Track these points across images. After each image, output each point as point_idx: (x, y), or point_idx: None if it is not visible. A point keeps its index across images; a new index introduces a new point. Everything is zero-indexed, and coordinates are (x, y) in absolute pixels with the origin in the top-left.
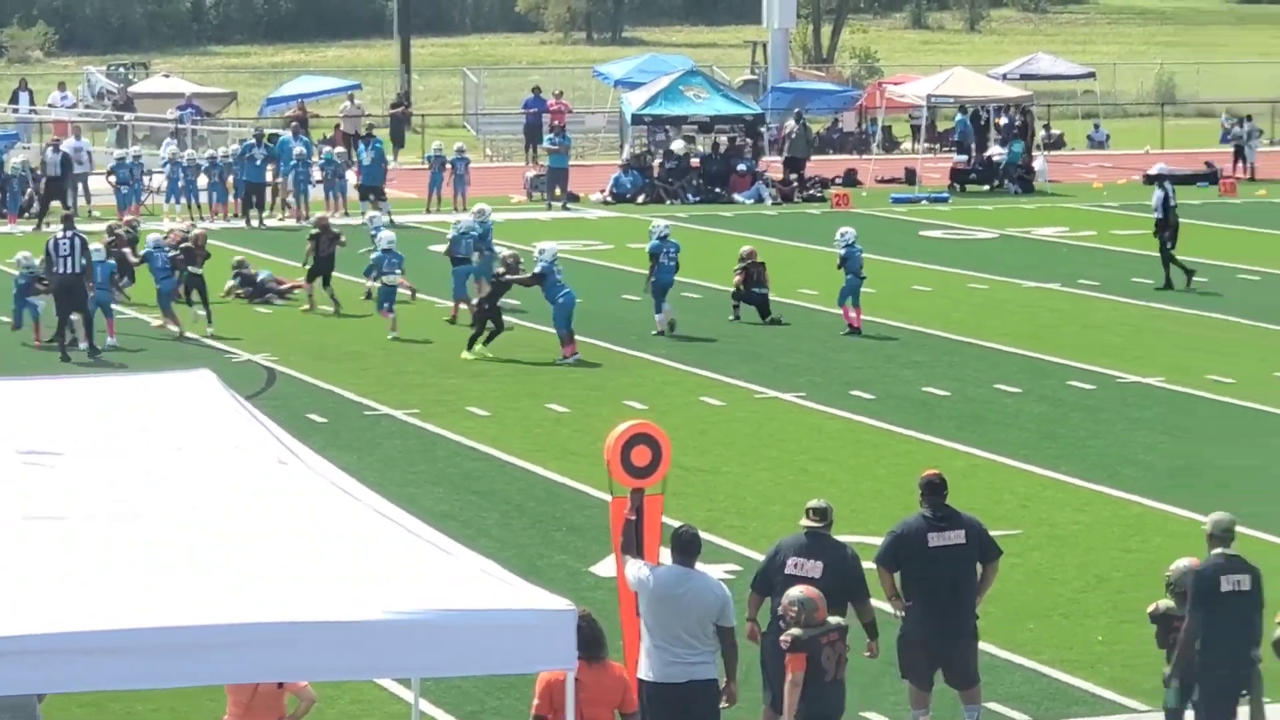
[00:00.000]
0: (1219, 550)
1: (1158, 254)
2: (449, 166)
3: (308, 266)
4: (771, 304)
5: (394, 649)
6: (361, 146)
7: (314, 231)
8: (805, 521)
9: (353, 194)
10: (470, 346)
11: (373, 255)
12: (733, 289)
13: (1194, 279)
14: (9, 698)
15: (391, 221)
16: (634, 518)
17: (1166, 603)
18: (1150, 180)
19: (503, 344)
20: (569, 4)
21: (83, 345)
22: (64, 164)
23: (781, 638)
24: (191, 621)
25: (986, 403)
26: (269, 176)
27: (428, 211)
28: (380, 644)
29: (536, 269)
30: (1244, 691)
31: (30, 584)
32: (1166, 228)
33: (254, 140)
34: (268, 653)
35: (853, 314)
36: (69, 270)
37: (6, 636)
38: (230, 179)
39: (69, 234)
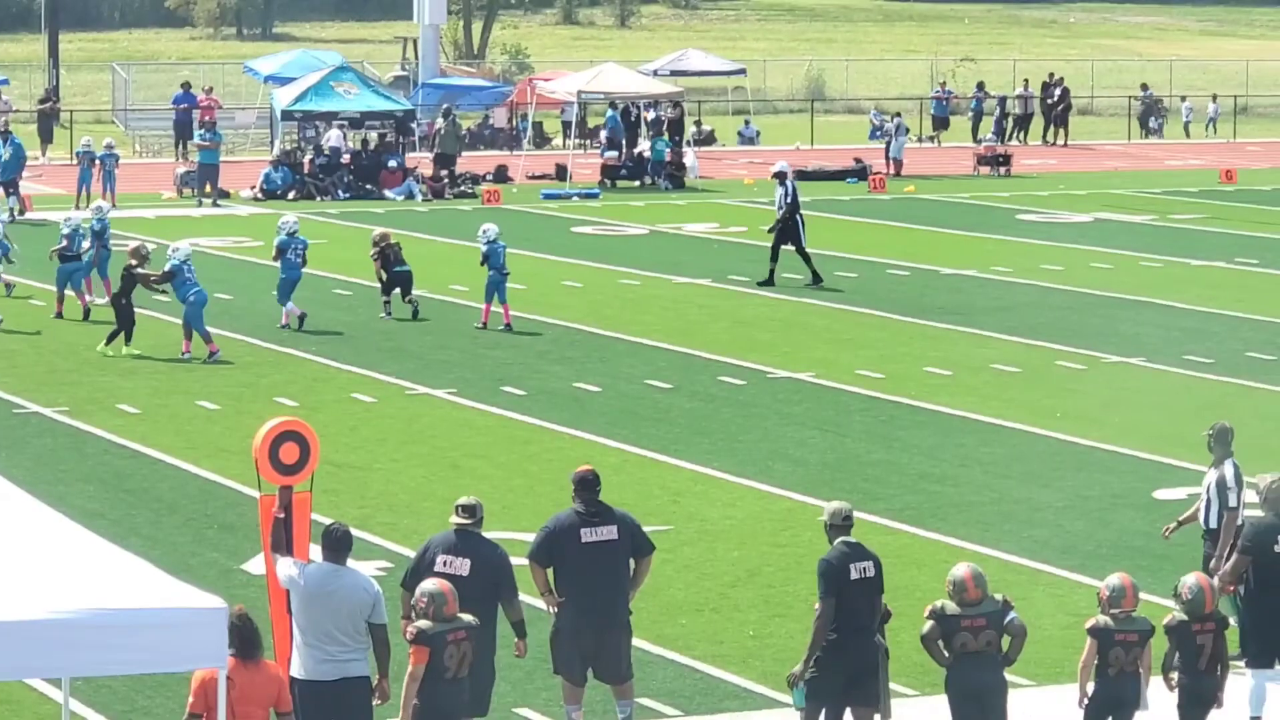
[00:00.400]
0: (842, 539)
1: (777, 249)
2: (98, 163)
3: None
4: (415, 296)
5: (43, 649)
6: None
7: None
8: (455, 519)
9: None
10: (109, 341)
11: None
12: (378, 281)
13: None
14: None
15: (13, 218)
16: (282, 515)
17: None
18: (775, 176)
19: (150, 340)
20: None
21: None
22: None
23: (407, 630)
24: None
25: (638, 398)
26: None
27: (77, 208)
28: (29, 644)
29: (167, 266)
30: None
31: None
32: (787, 223)
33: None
34: None
35: (498, 309)
36: None
37: None
38: None
39: None
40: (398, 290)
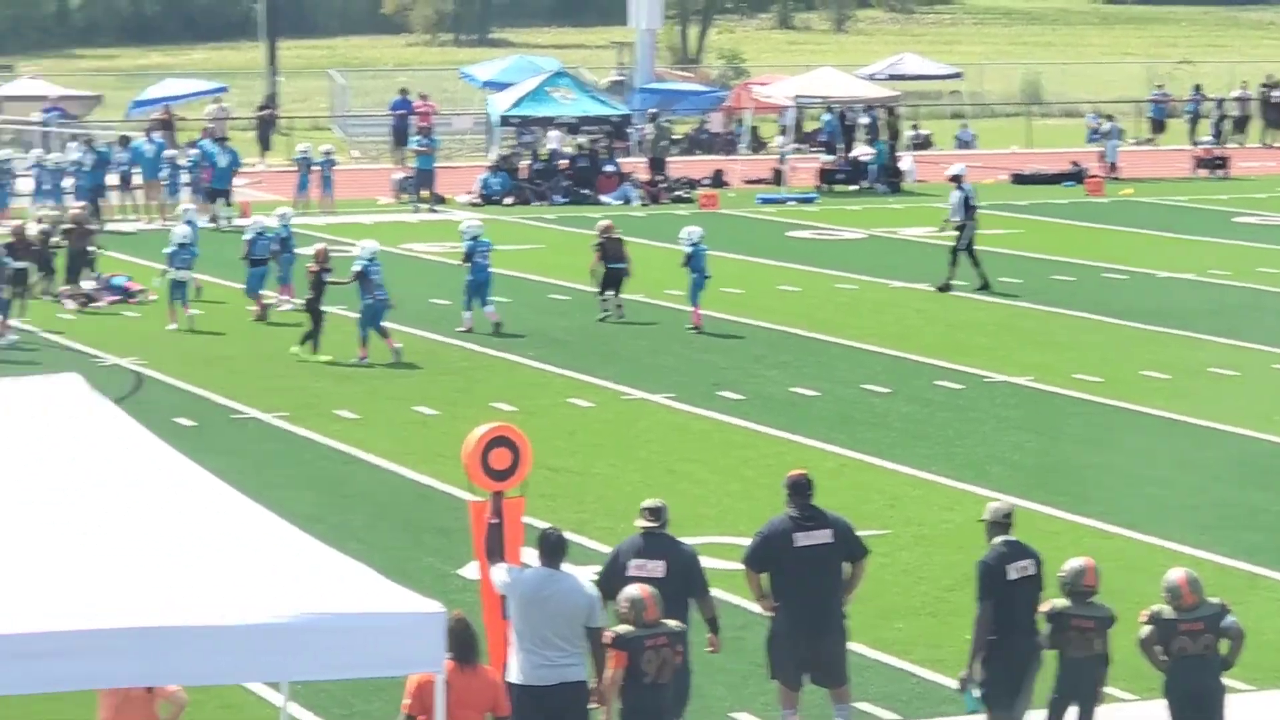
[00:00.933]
0: (1002, 539)
1: (961, 251)
2: (316, 169)
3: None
4: (621, 299)
5: (262, 653)
6: (216, 149)
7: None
8: (641, 522)
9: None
10: (303, 342)
11: (166, 249)
12: (591, 275)
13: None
14: None
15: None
16: (495, 521)
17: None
18: (952, 179)
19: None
20: (436, 5)
21: None
22: None
23: (606, 632)
24: (59, 626)
25: (854, 403)
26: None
27: (295, 214)
28: (248, 648)
29: (356, 268)
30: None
31: None
32: (966, 228)
33: (85, 146)
34: (136, 657)
35: (703, 310)
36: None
37: None
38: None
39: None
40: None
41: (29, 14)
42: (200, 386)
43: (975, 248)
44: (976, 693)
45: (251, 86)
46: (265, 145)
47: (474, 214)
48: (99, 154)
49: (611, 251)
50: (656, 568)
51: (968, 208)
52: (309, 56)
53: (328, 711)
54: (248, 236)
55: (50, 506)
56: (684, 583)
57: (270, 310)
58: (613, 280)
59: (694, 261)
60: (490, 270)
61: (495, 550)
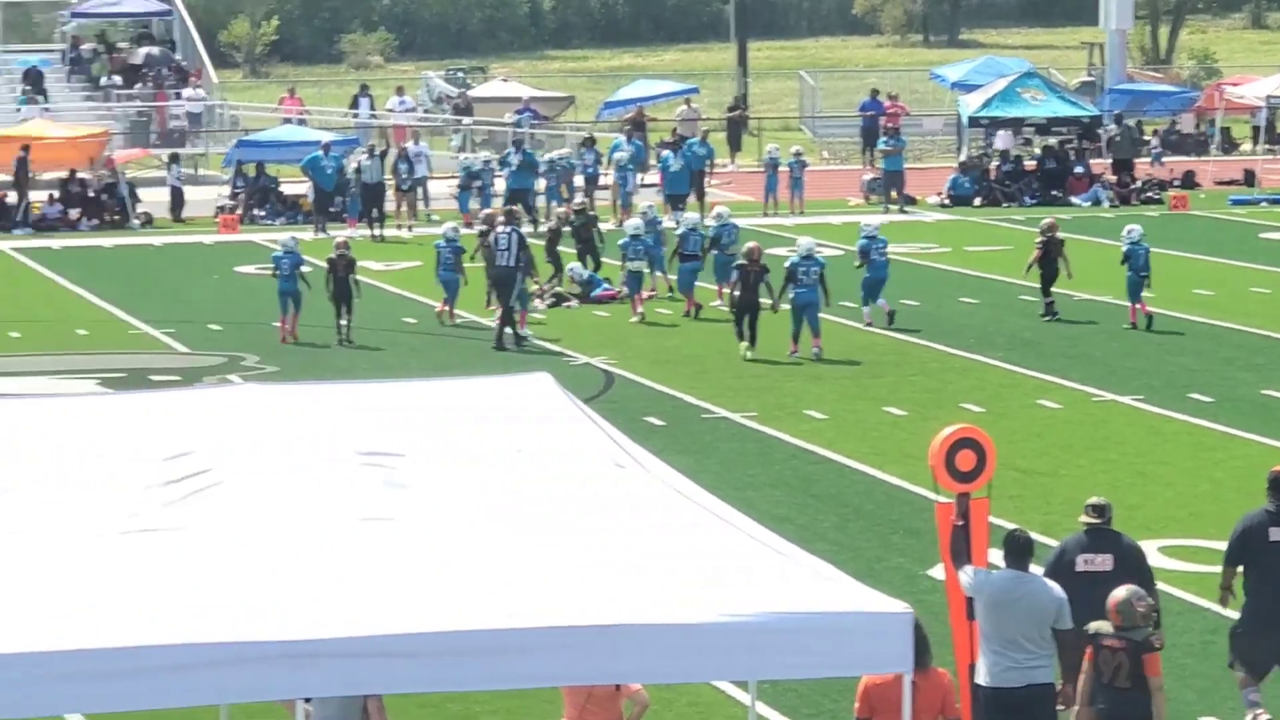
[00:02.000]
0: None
1: None
2: (786, 169)
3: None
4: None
5: (729, 651)
6: (669, 154)
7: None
8: (1085, 519)
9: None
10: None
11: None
12: (1024, 269)
13: None
14: (339, 698)
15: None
16: (961, 523)
17: None
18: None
19: (840, 347)
20: (906, 6)
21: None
22: (396, 169)
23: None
24: (526, 624)
25: None
26: (541, 185)
27: (764, 215)
28: (717, 646)
29: (786, 265)
30: None
31: (364, 586)
32: None
33: (513, 148)
34: (602, 655)
35: (1136, 308)
36: (506, 263)
37: (342, 638)
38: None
39: (509, 229)
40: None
41: (502, 16)
42: (670, 386)
43: None
44: None
45: (721, 87)
46: (735, 146)
47: (996, 216)
48: (526, 155)
49: (1054, 251)
50: (1105, 562)
51: None
52: (778, 57)
53: (796, 711)
54: (679, 232)
55: (519, 505)
56: (1131, 577)
57: (703, 308)
58: (1048, 279)
59: (1132, 260)
60: (888, 267)
61: (961, 552)
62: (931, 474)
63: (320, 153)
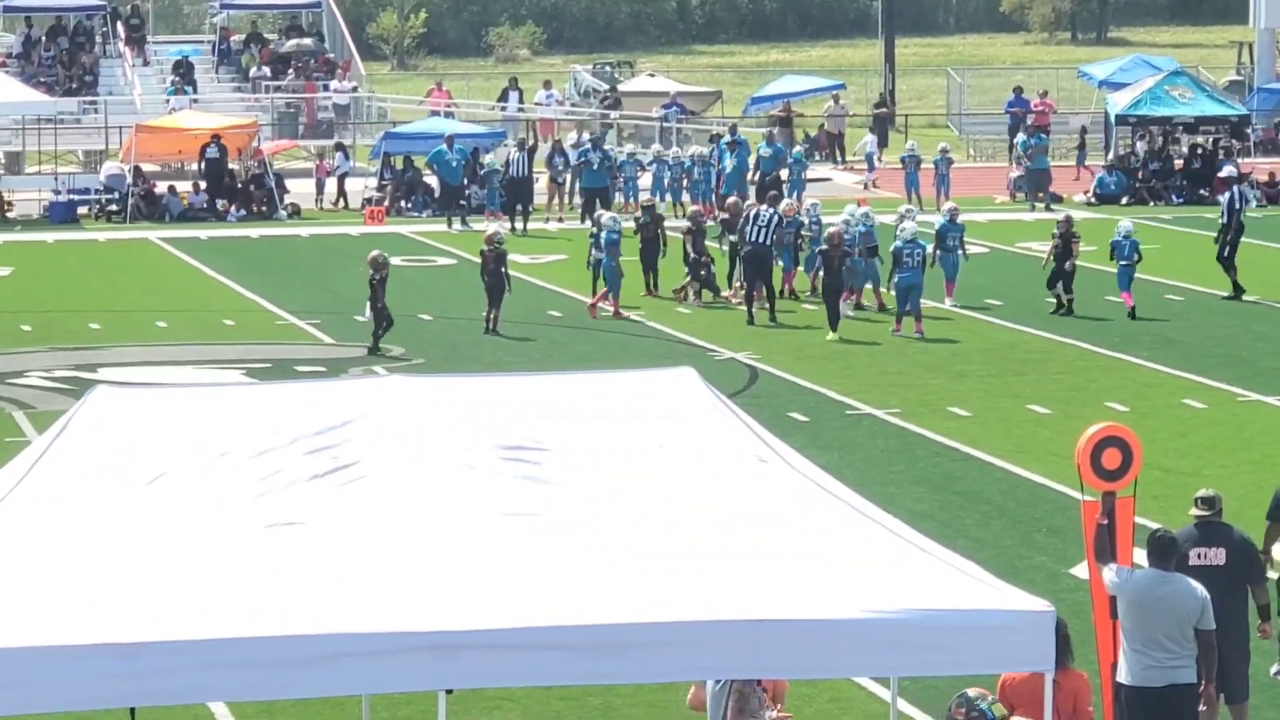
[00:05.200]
0: None
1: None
2: (930, 166)
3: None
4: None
5: (871, 648)
6: (726, 151)
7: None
8: (1196, 511)
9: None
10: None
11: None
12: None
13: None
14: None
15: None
16: (1105, 521)
17: None
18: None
19: (983, 343)
20: (1054, 4)
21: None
22: (532, 164)
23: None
24: (669, 618)
25: None
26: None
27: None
28: (859, 643)
29: (891, 248)
30: None
31: (509, 580)
32: (1229, 231)
33: (589, 145)
34: (745, 650)
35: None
36: (761, 240)
37: (487, 630)
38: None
39: (769, 209)
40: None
41: (650, 11)
42: (814, 381)
43: None
44: None
45: (868, 84)
46: (882, 142)
47: (1142, 216)
48: (604, 155)
49: (1069, 247)
50: (1217, 555)
51: (1231, 210)
52: (925, 54)
53: (936, 709)
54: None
55: (662, 499)
56: (1244, 570)
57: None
58: (1063, 276)
59: (1118, 251)
60: (921, 273)
61: (1105, 550)
62: (1077, 472)
63: (444, 146)
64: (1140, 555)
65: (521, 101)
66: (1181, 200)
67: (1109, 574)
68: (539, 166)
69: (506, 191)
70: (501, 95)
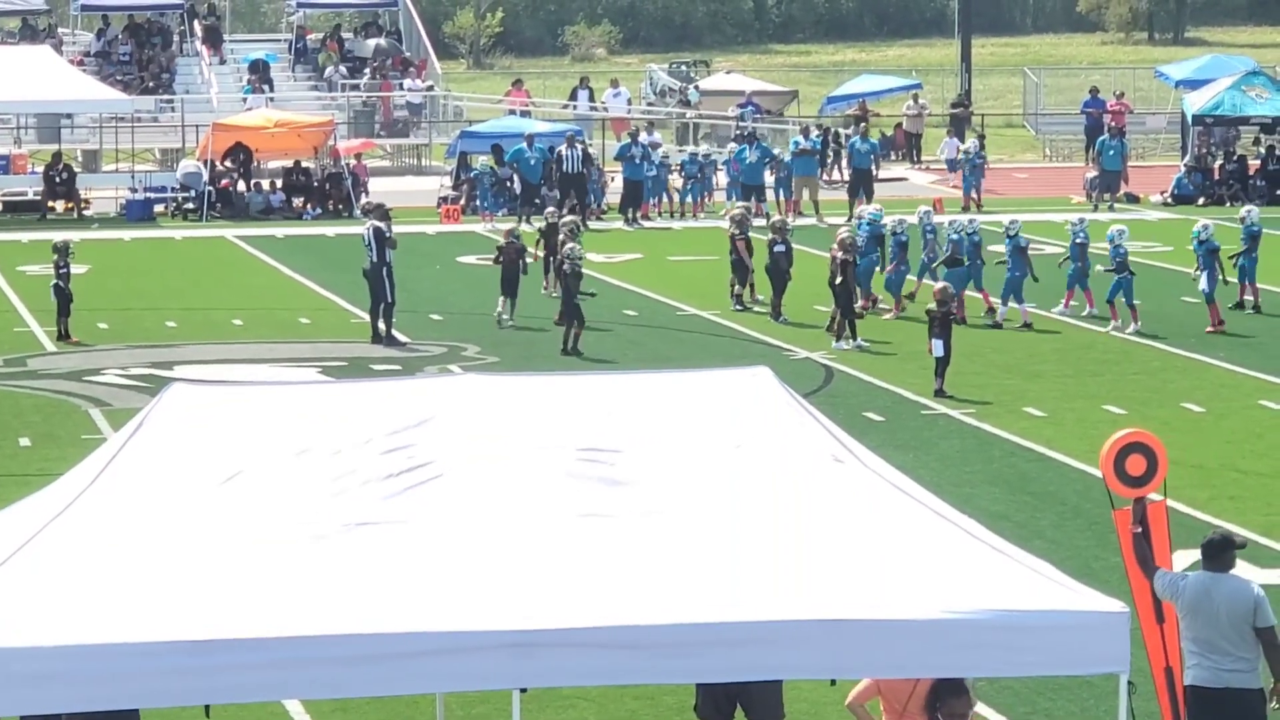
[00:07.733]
0: None
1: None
2: (979, 165)
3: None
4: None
5: (946, 648)
6: (744, 146)
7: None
8: None
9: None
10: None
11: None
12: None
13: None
14: None
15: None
16: (1139, 529)
17: None
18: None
19: (1059, 344)
20: (1131, 4)
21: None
22: (584, 161)
23: None
24: (744, 618)
25: None
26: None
27: (965, 210)
28: (934, 643)
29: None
30: None
31: (584, 580)
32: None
33: (630, 140)
34: (820, 650)
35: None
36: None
37: (562, 629)
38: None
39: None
40: None
41: (727, 10)
42: (890, 381)
43: None
44: None
45: (944, 83)
46: (961, 142)
47: (1219, 216)
48: (643, 149)
49: None
50: None
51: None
52: (1003, 54)
53: (1011, 710)
54: (952, 236)
55: (737, 499)
56: None
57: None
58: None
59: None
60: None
61: (1146, 558)
62: (1104, 482)
63: (524, 145)
64: (1180, 559)
65: (592, 100)
66: (1260, 201)
67: (1159, 582)
68: (611, 166)
69: (560, 186)
70: (572, 94)
